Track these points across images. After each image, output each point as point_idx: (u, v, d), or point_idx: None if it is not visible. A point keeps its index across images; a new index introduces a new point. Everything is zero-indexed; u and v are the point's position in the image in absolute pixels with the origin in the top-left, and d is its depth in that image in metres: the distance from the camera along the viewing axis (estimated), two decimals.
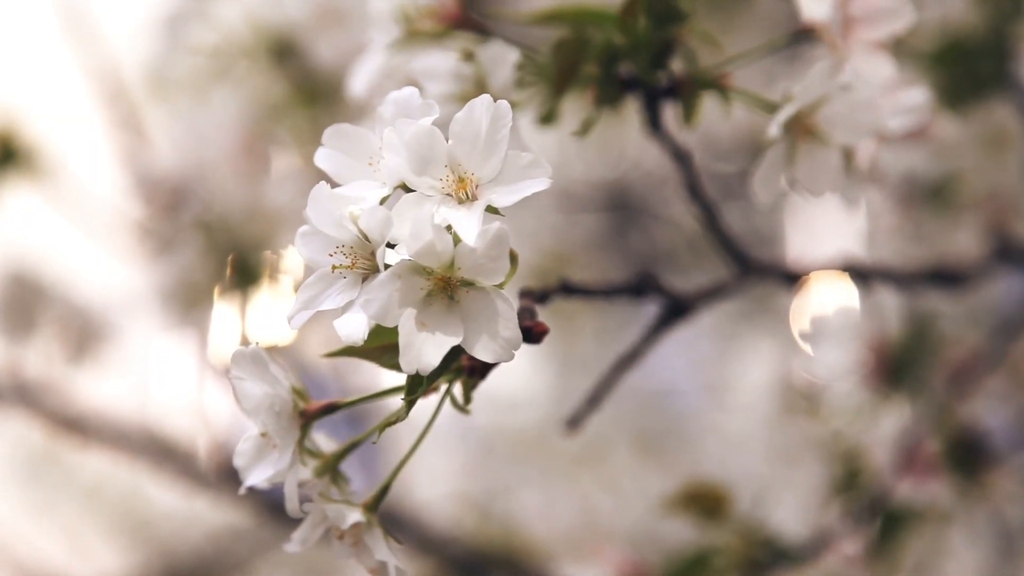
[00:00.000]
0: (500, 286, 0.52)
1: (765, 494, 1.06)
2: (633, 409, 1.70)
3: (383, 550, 0.55)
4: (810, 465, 1.15)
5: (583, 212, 1.71)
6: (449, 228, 0.51)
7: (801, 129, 0.65)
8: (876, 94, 0.65)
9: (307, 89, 1.35)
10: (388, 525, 0.57)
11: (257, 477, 0.56)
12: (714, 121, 0.72)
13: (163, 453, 1.46)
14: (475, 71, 0.67)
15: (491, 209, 0.52)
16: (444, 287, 0.51)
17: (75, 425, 1.45)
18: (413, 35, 0.69)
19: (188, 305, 1.35)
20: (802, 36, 0.68)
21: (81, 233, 1.49)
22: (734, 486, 0.99)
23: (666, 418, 1.75)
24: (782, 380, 1.31)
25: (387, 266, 0.51)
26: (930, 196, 1.09)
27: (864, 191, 0.71)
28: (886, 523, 1.01)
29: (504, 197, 0.52)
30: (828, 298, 1.08)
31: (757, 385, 1.33)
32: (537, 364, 1.78)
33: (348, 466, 0.60)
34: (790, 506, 1.11)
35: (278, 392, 0.56)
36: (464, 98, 0.56)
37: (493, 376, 0.58)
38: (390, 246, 0.52)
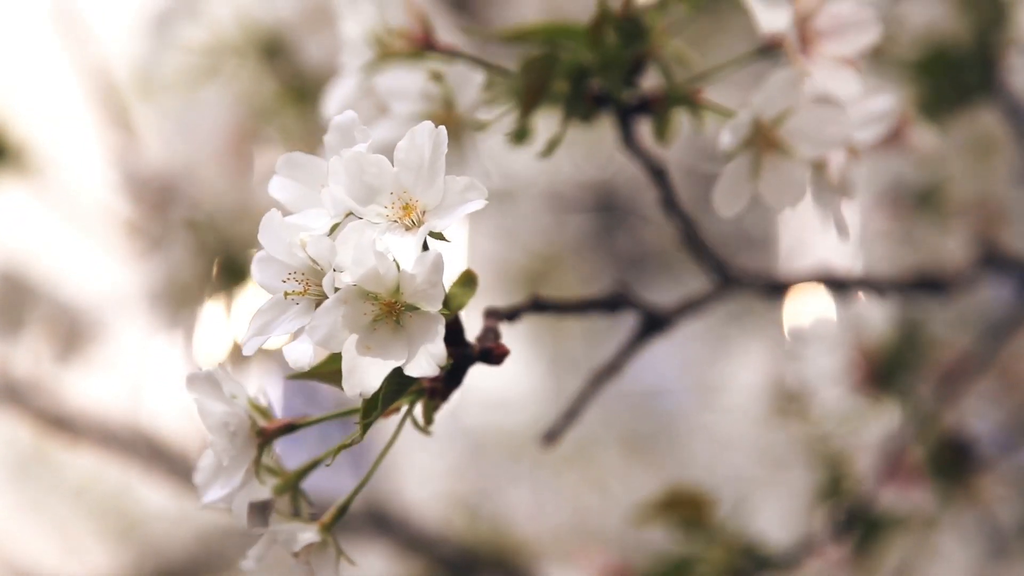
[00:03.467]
0: (446, 309, 0.52)
1: (750, 499, 1.06)
2: (622, 410, 1.70)
3: (330, 574, 0.55)
4: (796, 469, 1.15)
5: (572, 213, 1.71)
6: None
7: (764, 142, 0.64)
8: (841, 108, 0.65)
9: (296, 88, 1.35)
10: (376, 526, 0.57)
11: (212, 495, 0.56)
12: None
13: (153, 453, 1.46)
14: (443, 91, 0.66)
15: (436, 234, 0.52)
16: (390, 312, 0.52)
17: (64, 424, 1.45)
18: (386, 56, 0.68)
19: (177, 304, 1.35)
20: (770, 50, 0.68)
21: (70, 231, 1.49)
22: (721, 488, 0.99)
23: (655, 419, 1.75)
24: (771, 382, 1.30)
25: (337, 290, 0.51)
26: (919, 203, 1.09)
27: (837, 203, 0.70)
28: (866, 530, 1.01)
29: (441, 221, 0.52)
30: (814, 306, 1.08)
31: (746, 387, 1.33)
32: (527, 365, 1.77)
33: (338, 469, 0.60)
34: (774, 511, 1.11)
35: (235, 411, 0.56)
36: (432, 118, 0.56)
37: (483, 376, 0.58)
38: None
